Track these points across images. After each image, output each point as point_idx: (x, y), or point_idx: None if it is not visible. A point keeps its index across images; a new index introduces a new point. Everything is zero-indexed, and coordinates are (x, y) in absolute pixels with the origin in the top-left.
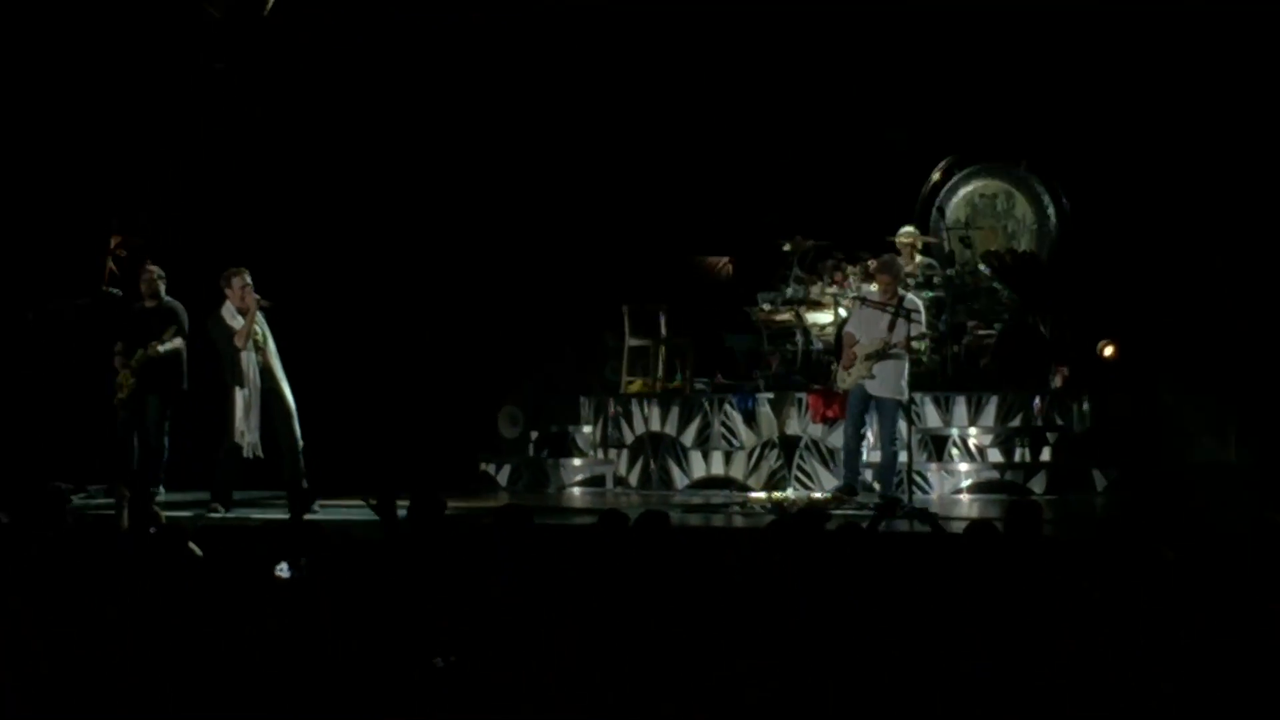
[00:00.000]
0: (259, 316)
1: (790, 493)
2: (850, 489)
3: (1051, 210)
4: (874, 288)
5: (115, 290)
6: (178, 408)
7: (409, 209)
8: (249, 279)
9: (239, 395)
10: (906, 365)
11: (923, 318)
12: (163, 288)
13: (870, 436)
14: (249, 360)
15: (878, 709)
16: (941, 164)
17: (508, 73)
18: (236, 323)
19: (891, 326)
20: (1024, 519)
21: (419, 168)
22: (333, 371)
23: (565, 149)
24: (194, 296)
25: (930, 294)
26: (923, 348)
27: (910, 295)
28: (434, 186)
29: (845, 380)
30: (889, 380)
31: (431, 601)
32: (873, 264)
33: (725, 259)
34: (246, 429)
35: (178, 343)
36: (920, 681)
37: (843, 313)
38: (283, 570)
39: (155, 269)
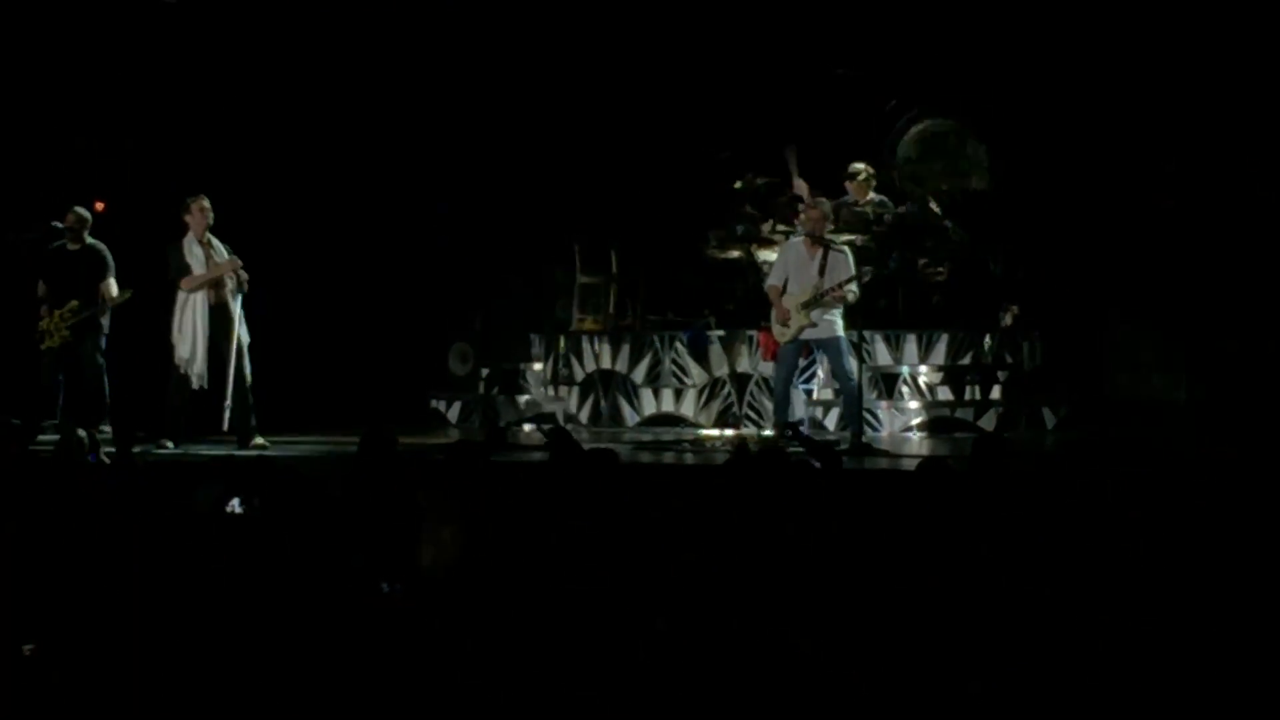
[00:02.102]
0: (214, 241)
1: (745, 431)
2: (777, 436)
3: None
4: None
5: (61, 224)
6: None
7: (359, 146)
8: (207, 204)
9: (186, 327)
10: (840, 306)
11: (850, 261)
12: (85, 230)
13: (821, 375)
14: (198, 294)
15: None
16: (892, 102)
17: (459, 11)
18: (194, 255)
19: (822, 271)
20: (988, 453)
21: (369, 104)
22: (284, 308)
23: (515, 85)
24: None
25: (880, 230)
26: (851, 294)
27: (838, 240)
28: (385, 123)
29: (785, 334)
30: (826, 322)
31: (382, 535)
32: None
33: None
34: (194, 360)
35: (111, 288)
36: (892, 619)
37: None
38: (235, 506)
39: (81, 210)
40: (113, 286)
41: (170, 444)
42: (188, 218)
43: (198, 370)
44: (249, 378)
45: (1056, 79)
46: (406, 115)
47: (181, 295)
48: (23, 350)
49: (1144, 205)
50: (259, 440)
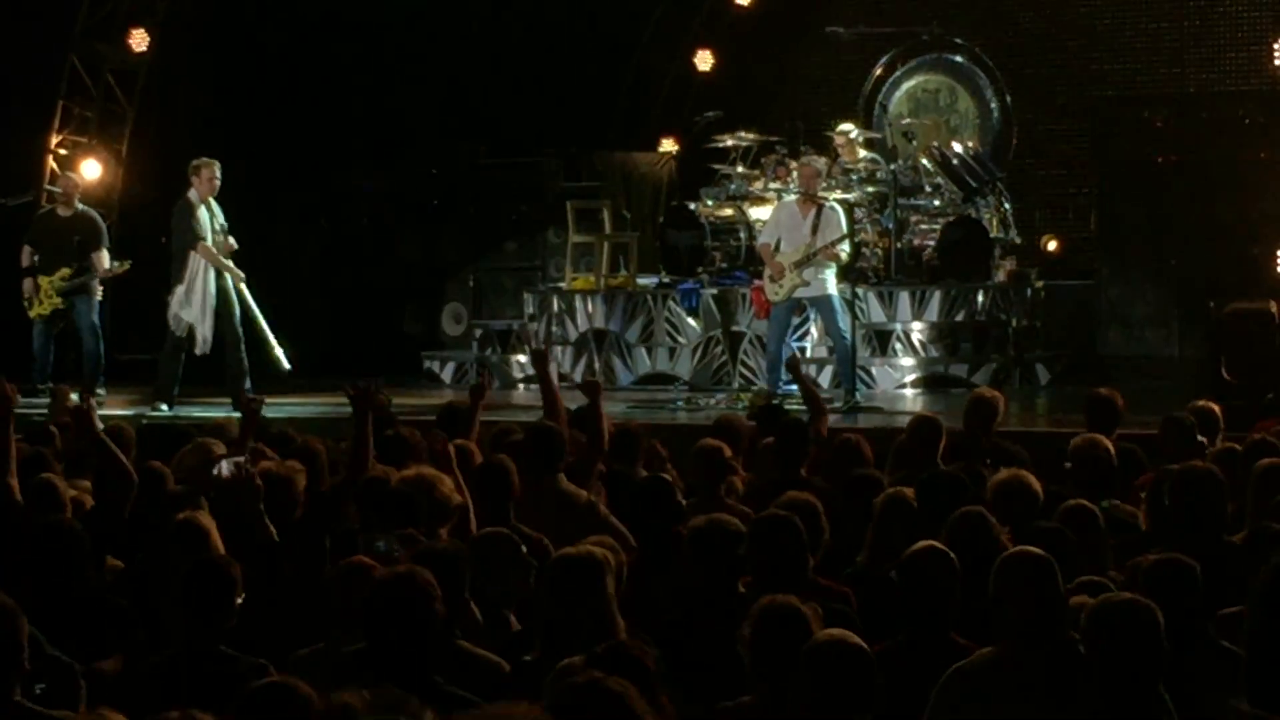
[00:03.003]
0: (215, 207)
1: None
2: (770, 394)
3: (994, 104)
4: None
5: (55, 189)
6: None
7: (351, 104)
8: (218, 171)
9: (196, 292)
10: (833, 264)
11: (842, 219)
12: (77, 196)
13: (814, 333)
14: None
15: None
16: (884, 59)
17: None
18: (200, 220)
19: (814, 230)
20: (982, 411)
21: (360, 61)
22: (279, 270)
23: (502, 42)
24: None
25: (872, 189)
26: (844, 253)
27: (830, 199)
28: (373, 84)
29: (778, 292)
30: (819, 281)
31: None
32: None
33: None
34: (199, 323)
35: (109, 261)
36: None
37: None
38: (222, 469)
39: (74, 176)
40: (105, 257)
41: (165, 407)
42: (195, 180)
43: (204, 334)
44: (242, 338)
45: (1051, 34)
46: (400, 76)
47: (192, 260)
48: (11, 316)
49: (1137, 158)
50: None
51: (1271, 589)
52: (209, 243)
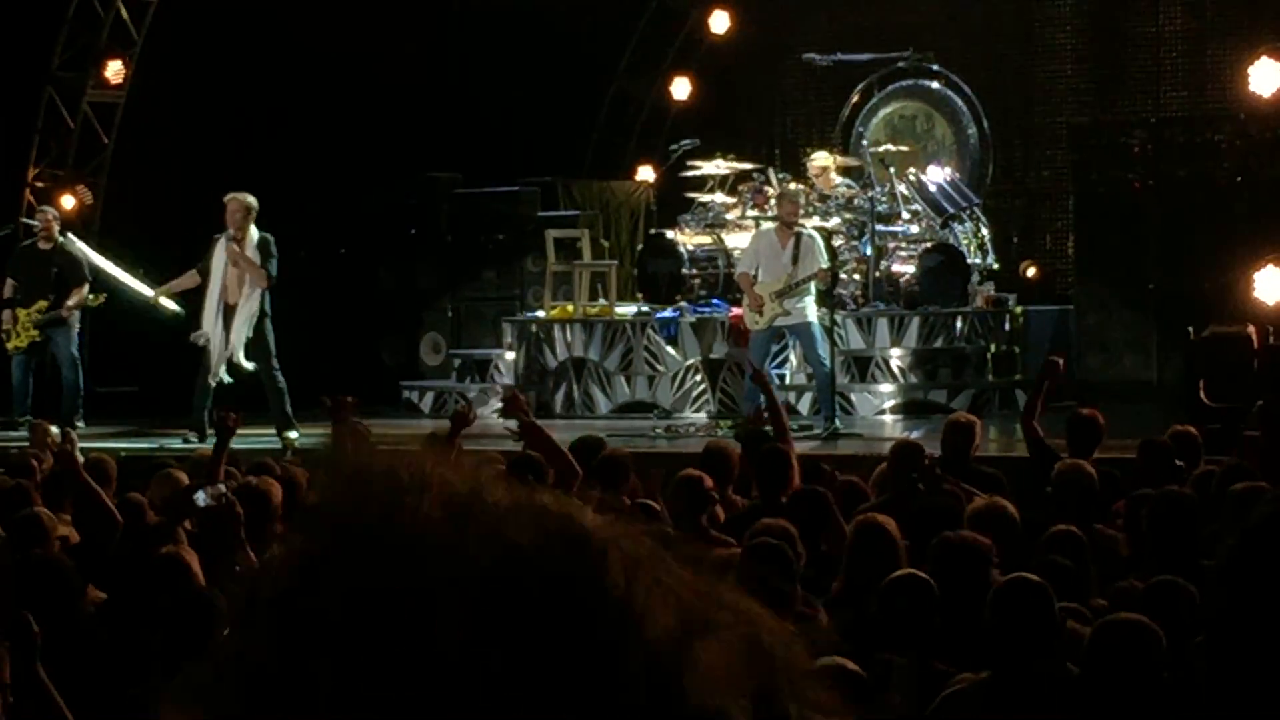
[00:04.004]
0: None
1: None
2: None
3: (971, 130)
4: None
5: (34, 222)
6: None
7: (329, 134)
8: (229, 203)
9: (212, 318)
10: (813, 290)
11: (821, 248)
12: (57, 229)
13: (794, 360)
14: (215, 293)
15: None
16: (860, 86)
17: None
18: (223, 248)
19: (795, 259)
20: (959, 436)
21: (337, 92)
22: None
23: (479, 71)
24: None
25: (849, 216)
26: (824, 279)
27: (809, 227)
28: (351, 114)
29: (759, 322)
30: (799, 309)
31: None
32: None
33: None
34: (216, 357)
35: (84, 295)
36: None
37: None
38: (200, 498)
39: (51, 210)
40: (84, 292)
41: (194, 437)
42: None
43: (217, 366)
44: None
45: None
46: (383, 102)
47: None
48: None
49: (1114, 183)
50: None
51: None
52: (211, 276)
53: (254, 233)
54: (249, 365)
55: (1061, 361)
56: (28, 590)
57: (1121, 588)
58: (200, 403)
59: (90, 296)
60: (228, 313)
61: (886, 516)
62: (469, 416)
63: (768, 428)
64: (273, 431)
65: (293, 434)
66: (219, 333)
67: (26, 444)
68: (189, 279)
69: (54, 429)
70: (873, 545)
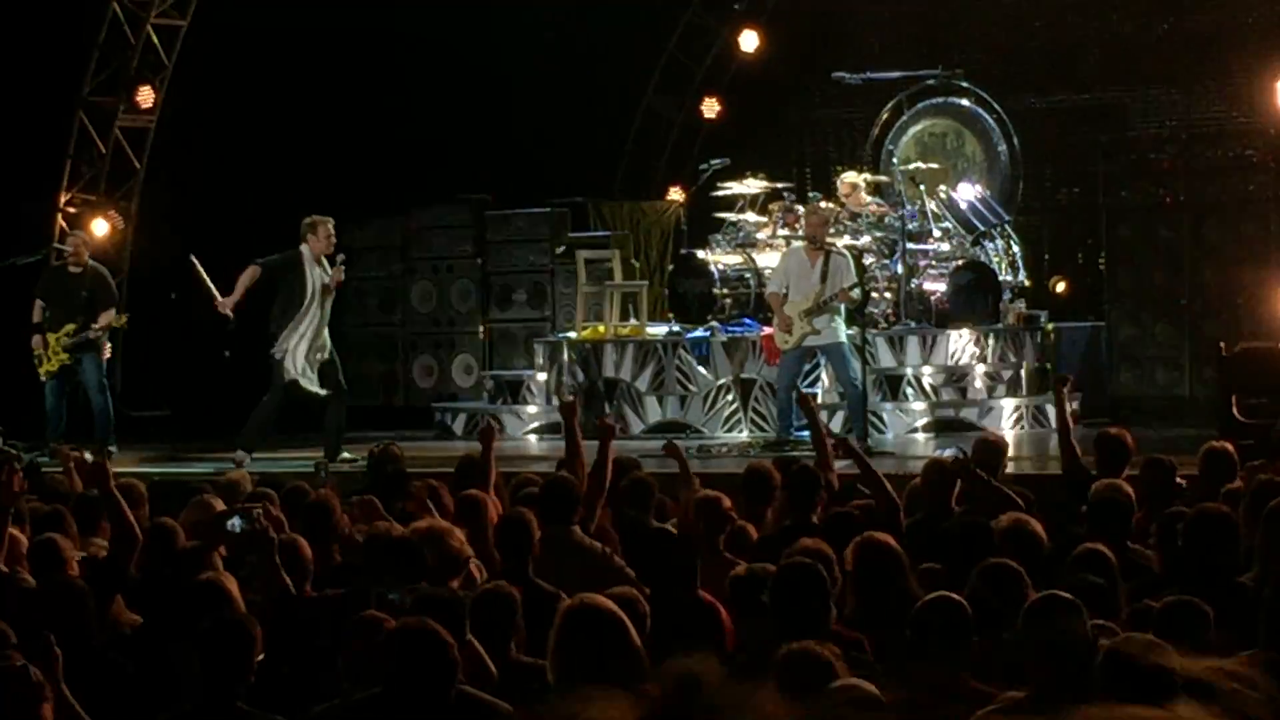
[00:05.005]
0: (325, 263)
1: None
2: (782, 443)
3: (1002, 147)
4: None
5: (65, 247)
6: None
7: (360, 156)
8: (332, 229)
9: (296, 339)
10: (842, 309)
11: (850, 266)
12: (87, 254)
13: (825, 380)
14: (313, 309)
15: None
16: (890, 104)
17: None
18: (312, 270)
19: (824, 278)
20: (988, 453)
21: (369, 115)
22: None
23: (509, 93)
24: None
25: (880, 234)
26: (856, 296)
27: (839, 245)
28: (382, 137)
29: (788, 341)
30: (829, 328)
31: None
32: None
33: None
34: (297, 371)
35: (112, 315)
36: None
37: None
38: (234, 525)
39: (83, 234)
40: (112, 315)
41: (246, 457)
42: (311, 237)
43: (299, 377)
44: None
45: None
46: (407, 123)
47: (299, 314)
48: (23, 374)
49: (1145, 198)
50: (345, 454)
51: None
52: (308, 299)
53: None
54: (321, 390)
55: (1071, 377)
56: (49, 613)
57: (1138, 609)
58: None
59: (115, 316)
60: (316, 332)
61: (885, 535)
62: (493, 431)
63: (796, 448)
64: (297, 454)
65: (348, 454)
66: (302, 349)
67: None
68: (248, 276)
69: (88, 455)
70: (878, 564)
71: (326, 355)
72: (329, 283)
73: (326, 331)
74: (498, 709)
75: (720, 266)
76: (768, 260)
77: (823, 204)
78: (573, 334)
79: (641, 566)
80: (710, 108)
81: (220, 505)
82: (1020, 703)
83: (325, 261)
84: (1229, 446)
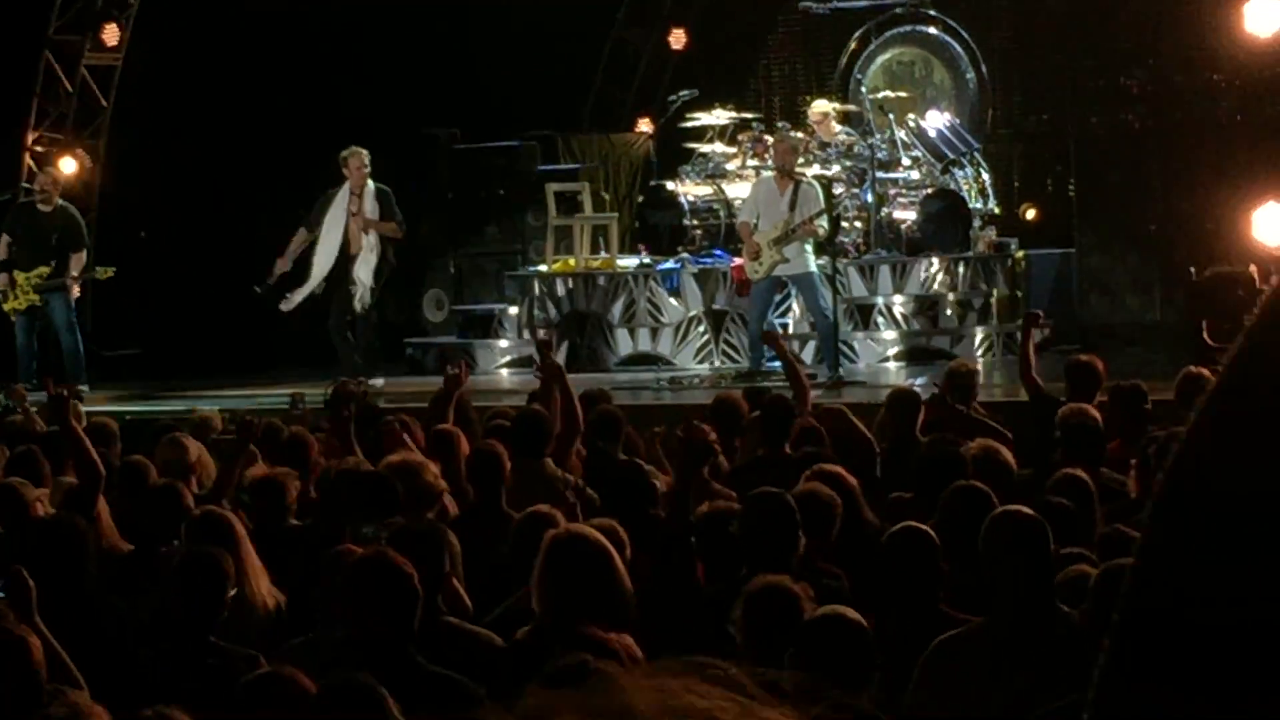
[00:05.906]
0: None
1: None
2: (753, 374)
3: (970, 75)
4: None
5: (35, 186)
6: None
7: (327, 91)
8: (366, 160)
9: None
10: (811, 240)
11: (819, 195)
12: (56, 192)
13: (796, 310)
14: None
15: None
16: (858, 33)
17: None
18: (341, 201)
19: (792, 206)
20: (960, 382)
21: (335, 50)
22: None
23: (475, 26)
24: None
25: (849, 163)
26: (822, 227)
27: (809, 174)
28: (349, 72)
29: (758, 270)
30: (799, 257)
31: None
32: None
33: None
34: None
35: (84, 261)
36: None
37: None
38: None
39: (53, 171)
40: (83, 258)
41: (380, 381)
42: (345, 170)
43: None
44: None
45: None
46: (374, 59)
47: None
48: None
49: (1113, 125)
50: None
51: None
52: (325, 228)
53: (371, 185)
54: (358, 308)
55: (1040, 314)
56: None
57: (1109, 532)
58: (359, 345)
59: (99, 269)
60: (346, 262)
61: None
62: (462, 379)
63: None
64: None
65: (378, 381)
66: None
67: (36, 409)
68: (300, 239)
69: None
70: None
71: (373, 281)
72: (358, 214)
73: (375, 258)
74: (485, 640)
75: (690, 198)
76: (737, 191)
77: (792, 133)
78: (543, 267)
79: (609, 499)
80: (678, 39)
81: (191, 444)
82: (977, 629)
83: (362, 193)
84: (1205, 372)
